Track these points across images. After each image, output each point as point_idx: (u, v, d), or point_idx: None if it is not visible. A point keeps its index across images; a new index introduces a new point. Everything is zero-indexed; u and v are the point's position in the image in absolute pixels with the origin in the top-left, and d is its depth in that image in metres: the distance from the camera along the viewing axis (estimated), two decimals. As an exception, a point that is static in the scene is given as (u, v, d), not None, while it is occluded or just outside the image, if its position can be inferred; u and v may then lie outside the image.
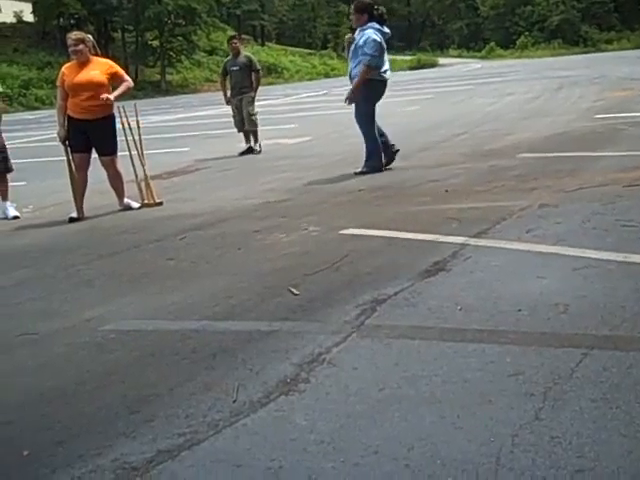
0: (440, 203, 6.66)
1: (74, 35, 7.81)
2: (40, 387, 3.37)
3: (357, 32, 8.86)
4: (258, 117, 12.42)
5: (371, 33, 8.67)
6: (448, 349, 3.30)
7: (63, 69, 7.85)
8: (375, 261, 4.94)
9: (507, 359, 3.14)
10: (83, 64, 7.70)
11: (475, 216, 5.94)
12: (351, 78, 8.93)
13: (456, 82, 29.78)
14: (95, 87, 7.64)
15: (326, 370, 3.20)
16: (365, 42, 8.62)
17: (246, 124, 12.26)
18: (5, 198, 8.56)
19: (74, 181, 7.89)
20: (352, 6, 9.01)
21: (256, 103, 12.51)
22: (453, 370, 3.08)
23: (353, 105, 9.00)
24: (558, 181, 7.07)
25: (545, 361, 3.08)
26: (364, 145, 9.05)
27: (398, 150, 9.28)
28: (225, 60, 13.11)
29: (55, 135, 7.95)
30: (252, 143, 12.30)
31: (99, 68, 7.77)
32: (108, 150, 7.87)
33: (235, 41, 12.64)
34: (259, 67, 12.65)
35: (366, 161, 8.96)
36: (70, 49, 7.70)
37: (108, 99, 7.57)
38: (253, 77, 12.37)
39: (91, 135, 7.72)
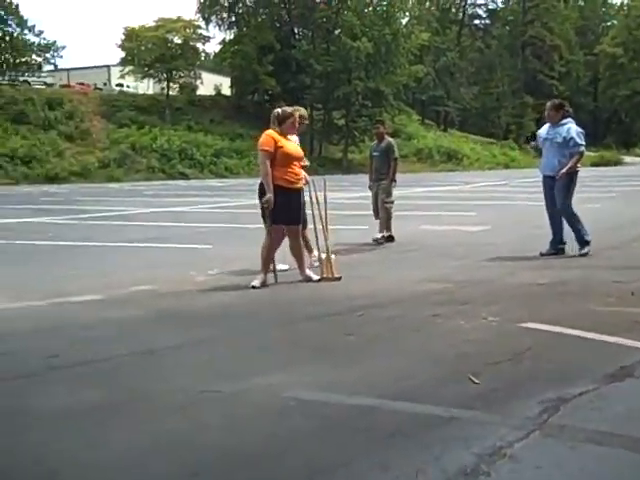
0: (626, 305, 6.42)
1: (302, 110, 8.59)
2: (223, 445, 3.49)
3: (548, 127, 9.94)
4: (392, 206, 11.89)
5: (575, 126, 9.80)
6: (638, 460, 3.16)
7: (273, 135, 8.01)
8: (557, 358, 4.82)
9: None
10: (287, 137, 8.16)
11: (666, 323, 5.68)
12: (549, 169, 9.82)
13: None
14: (301, 159, 8.25)
15: (508, 465, 3.13)
16: (577, 134, 9.71)
17: (379, 212, 11.84)
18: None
19: (268, 249, 8.07)
20: (549, 104, 10.10)
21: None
22: (644, 483, 2.94)
23: (557, 194, 9.73)
24: None
25: None
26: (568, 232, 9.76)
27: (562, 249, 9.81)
28: (371, 145, 13.04)
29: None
30: (378, 229, 11.71)
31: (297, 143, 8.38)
32: (301, 219, 8.25)
33: (378, 126, 12.49)
34: (397, 155, 12.16)
35: (584, 243, 9.66)
36: (302, 121, 8.38)
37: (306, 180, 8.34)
38: (391, 164, 11.89)
39: (293, 204, 8.03)
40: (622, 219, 14.54)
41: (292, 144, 8.18)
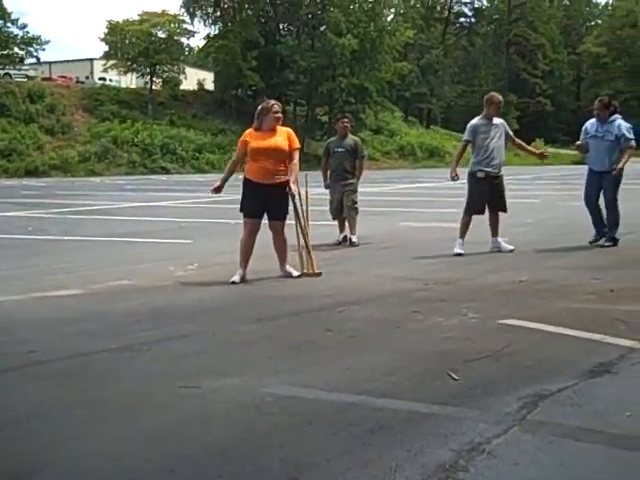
0: (606, 303, 6.46)
1: (278, 104, 8.33)
2: (202, 440, 3.46)
3: (596, 124, 10.26)
4: (359, 206, 11.41)
5: (624, 122, 10.20)
6: (616, 456, 3.17)
7: (247, 135, 8.17)
8: (536, 355, 4.84)
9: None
10: (271, 132, 8.09)
11: (644, 320, 5.72)
12: (599, 165, 10.24)
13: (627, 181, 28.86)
14: (280, 153, 8.05)
15: (486, 461, 3.13)
16: (627, 130, 10.12)
17: (345, 212, 11.23)
18: (496, 234, 9.98)
19: (243, 244, 8.11)
20: (597, 103, 10.38)
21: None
22: (621, 479, 2.95)
23: (607, 187, 10.23)
24: None
25: None
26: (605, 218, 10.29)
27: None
28: (328, 140, 12.19)
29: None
30: (349, 233, 11.23)
31: (282, 135, 8.15)
32: (282, 214, 8.17)
33: (346, 121, 11.76)
34: (365, 153, 11.84)
35: (613, 239, 10.18)
36: (276, 115, 8.13)
37: (291, 192, 8.12)
38: (357, 163, 11.37)
39: (268, 199, 8.01)
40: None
41: (269, 140, 8.03)
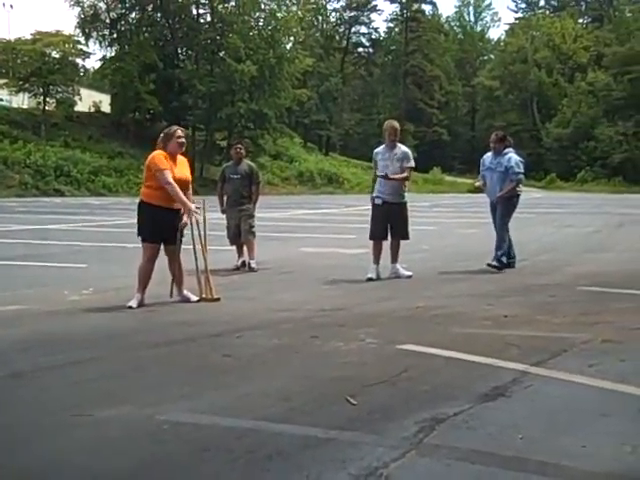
0: (499, 328, 6.60)
1: (183, 131, 8.32)
2: (92, 471, 3.36)
3: (491, 157, 10.95)
4: (256, 231, 11.37)
5: (516, 156, 10.90)
6: (510, 478, 3.22)
7: (162, 155, 7.93)
8: (433, 379, 4.90)
9: (571, 495, 3.05)
10: (174, 158, 8.03)
11: (535, 345, 5.88)
12: (493, 195, 10.96)
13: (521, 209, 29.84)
14: (186, 184, 8.10)
15: (384, 485, 3.15)
16: (516, 163, 10.74)
17: (243, 237, 11.22)
18: (395, 260, 10.08)
19: (143, 268, 7.97)
20: (493, 137, 11.11)
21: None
22: (515, 500, 3.00)
23: (497, 215, 10.91)
24: (621, 317, 6.97)
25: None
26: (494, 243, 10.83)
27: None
28: (224, 166, 12.27)
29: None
30: (247, 258, 11.18)
31: (187, 167, 8.25)
32: (178, 239, 8.09)
33: (240, 147, 11.74)
34: (260, 179, 11.87)
35: (499, 261, 10.62)
36: (180, 141, 8.04)
37: (183, 223, 8.08)
38: (253, 189, 11.42)
39: (166, 224, 7.92)
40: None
41: (180, 168, 8.04)
